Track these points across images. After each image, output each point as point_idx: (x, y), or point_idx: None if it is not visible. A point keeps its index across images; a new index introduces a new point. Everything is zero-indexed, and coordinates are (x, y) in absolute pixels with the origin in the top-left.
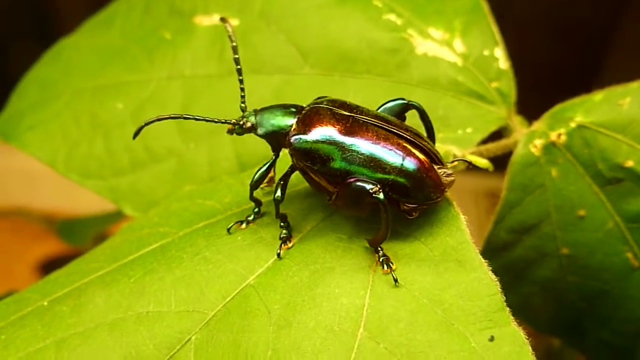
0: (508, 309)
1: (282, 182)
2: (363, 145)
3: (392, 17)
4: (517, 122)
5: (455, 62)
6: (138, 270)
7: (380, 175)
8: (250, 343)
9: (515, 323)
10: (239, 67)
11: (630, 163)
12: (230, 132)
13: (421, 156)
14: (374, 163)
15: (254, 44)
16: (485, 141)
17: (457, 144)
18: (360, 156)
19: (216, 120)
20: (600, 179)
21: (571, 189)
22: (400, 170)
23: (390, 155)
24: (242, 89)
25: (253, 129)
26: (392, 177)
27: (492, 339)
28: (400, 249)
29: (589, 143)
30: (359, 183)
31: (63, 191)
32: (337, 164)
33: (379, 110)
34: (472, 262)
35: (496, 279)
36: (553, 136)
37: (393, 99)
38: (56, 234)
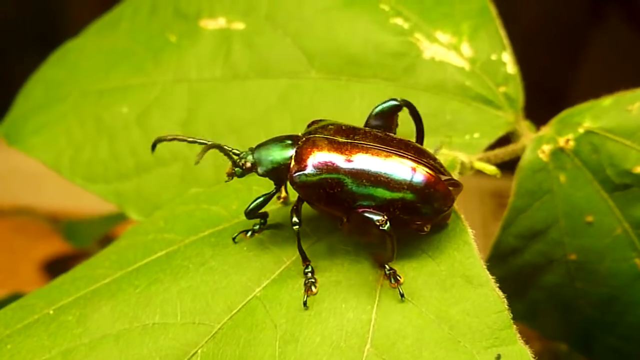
0: (515, 326)
1: (295, 208)
2: (367, 170)
3: (399, 20)
4: (525, 127)
5: (463, 67)
6: (143, 279)
7: (389, 197)
8: (257, 358)
9: (522, 342)
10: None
11: (639, 169)
12: (230, 175)
13: (427, 171)
14: (381, 186)
15: (260, 48)
16: (492, 146)
17: (465, 150)
18: (366, 182)
19: (225, 152)
20: (609, 184)
21: (579, 195)
22: (408, 189)
23: (396, 175)
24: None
25: (253, 168)
26: (400, 196)
27: (498, 357)
28: (407, 262)
29: (597, 149)
30: (366, 214)
31: (68, 191)
32: (344, 193)
33: (371, 116)
34: (479, 278)
35: (503, 296)
36: (561, 142)
37: (383, 101)
38: (61, 233)
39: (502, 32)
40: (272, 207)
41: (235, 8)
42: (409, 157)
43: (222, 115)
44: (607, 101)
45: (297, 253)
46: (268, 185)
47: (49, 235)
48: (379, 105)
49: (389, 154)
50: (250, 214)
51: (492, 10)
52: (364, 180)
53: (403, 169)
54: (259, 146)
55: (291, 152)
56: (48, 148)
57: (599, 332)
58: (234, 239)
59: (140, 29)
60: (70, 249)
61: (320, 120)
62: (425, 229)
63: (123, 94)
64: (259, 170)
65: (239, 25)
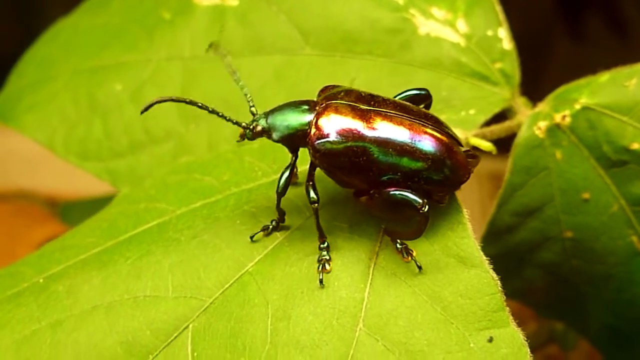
0: (508, 308)
1: (310, 183)
2: (392, 138)
3: None
4: (521, 104)
5: (459, 43)
6: (135, 251)
7: (414, 166)
8: (248, 335)
9: (515, 324)
10: (241, 86)
11: (635, 145)
12: (242, 137)
13: (448, 140)
14: (406, 155)
15: (254, 25)
16: (488, 123)
17: (461, 126)
18: (392, 151)
19: (227, 118)
20: (605, 161)
21: (576, 172)
22: (432, 158)
23: (421, 144)
24: (246, 96)
25: (265, 132)
26: (425, 166)
27: (490, 340)
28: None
29: (594, 125)
30: (403, 194)
31: (65, 173)
32: (370, 162)
33: (397, 98)
34: (473, 259)
35: (497, 278)
36: (557, 118)
37: (415, 89)
38: (59, 216)
39: (498, 8)
40: (267, 180)
41: None
42: (431, 126)
43: (216, 92)
44: (604, 77)
45: (291, 227)
46: (261, 155)
47: (47, 219)
48: (407, 91)
49: (412, 123)
50: (283, 191)
51: None
52: (390, 149)
53: (427, 139)
54: (273, 111)
55: (309, 117)
56: (41, 126)
57: (594, 310)
58: (252, 237)
59: (133, 6)
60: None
61: (335, 86)
62: (445, 200)
63: (116, 71)
64: (274, 135)
65: (233, 2)
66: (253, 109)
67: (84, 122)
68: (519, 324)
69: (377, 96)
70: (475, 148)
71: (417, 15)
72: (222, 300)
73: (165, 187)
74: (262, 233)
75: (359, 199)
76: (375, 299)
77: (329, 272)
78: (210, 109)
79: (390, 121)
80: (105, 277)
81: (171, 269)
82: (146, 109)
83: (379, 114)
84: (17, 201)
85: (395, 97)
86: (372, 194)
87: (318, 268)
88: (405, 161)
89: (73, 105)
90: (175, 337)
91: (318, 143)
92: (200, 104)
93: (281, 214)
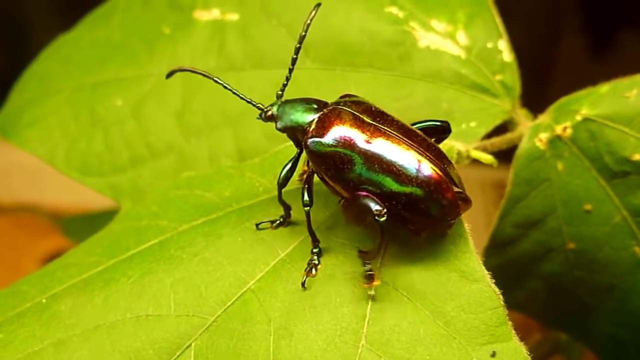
0: (510, 322)
1: (306, 186)
2: (381, 156)
3: (394, 9)
4: (521, 116)
5: (459, 55)
6: (137, 269)
7: (395, 189)
8: (251, 353)
9: (517, 338)
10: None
11: (637, 156)
12: (259, 116)
13: (440, 175)
14: (390, 176)
15: (254, 38)
16: (489, 135)
17: (461, 139)
18: (377, 167)
19: (247, 99)
20: (607, 172)
21: (577, 183)
22: (417, 186)
23: (408, 170)
24: (288, 78)
25: (273, 119)
26: (407, 191)
27: (493, 354)
28: (402, 255)
29: (595, 136)
30: (366, 200)
31: (68, 186)
32: (352, 173)
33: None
34: (475, 273)
35: (499, 292)
36: (559, 129)
37: (436, 120)
38: (62, 229)
39: (498, 20)
40: (268, 197)
41: None
42: (427, 156)
43: (217, 106)
44: (604, 88)
45: (292, 244)
46: (262, 171)
47: (50, 232)
48: (427, 121)
49: (408, 147)
50: (284, 182)
51: None
52: (376, 165)
53: (417, 166)
54: (287, 101)
55: (313, 116)
56: (43, 141)
57: (598, 321)
58: (257, 225)
59: (133, 21)
60: (72, 245)
61: (353, 96)
62: (423, 234)
63: (117, 86)
64: (278, 124)
65: (233, 16)
66: (280, 92)
67: (85, 137)
68: (524, 335)
69: (388, 115)
70: (476, 160)
71: (417, 28)
72: (225, 318)
73: (166, 203)
74: (268, 223)
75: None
76: (377, 315)
77: (314, 276)
78: (232, 89)
79: (387, 140)
80: (107, 296)
81: (173, 287)
82: (171, 74)
83: (378, 130)
84: (21, 214)
85: (414, 124)
86: (345, 198)
87: (305, 270)
88: (387, 181)
89: (74, 120)
90: (178, 355)
91: (310, 141)
92: (216, 79)
93: (286, 208)
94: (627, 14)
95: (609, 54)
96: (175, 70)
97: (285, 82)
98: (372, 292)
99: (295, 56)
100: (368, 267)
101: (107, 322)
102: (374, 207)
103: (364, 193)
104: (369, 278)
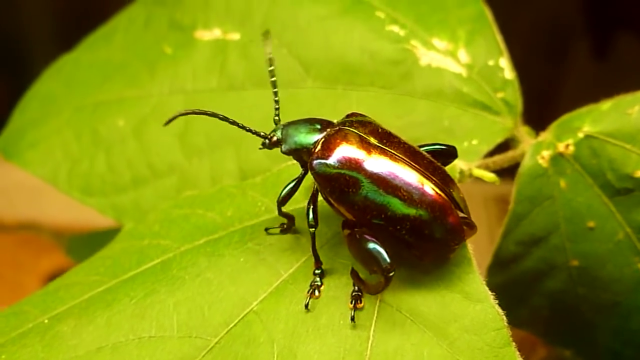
0: (514, 344)
1: (311, 206)
2: (388, 179)
3: (395, 28)
4: (524, 133)
5: (460, 73)
6: (139, 290)
7: (399, 213)
8: None
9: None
10: (273, 79)
11: (639, 173)
12: (263, 145)
13: (446, 200)
14: (395, 200)
15: (256, 58)
16: (492, 153)
17: (463, 157)
18: (383, 191)
19: (247, 129)
20: (610, 189)
21: (580, 200)
22: (422, 211)
23: (414, 194)
24: (276, 102)
25: (279, 144)
26: (412, 215)
27: None
28: (405, 277)
29: (597, 153)
30: (378, 249)
31: (71, 204)
32: (357, 196)
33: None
34: (478, 294)
35: (502, 313)
36: (561, 147)
37: (443, 144)
38: (64, 247)
39: (499, 37)
40: (270, 217)
41: (231, 18)
42: (433, 180)
43: (218, 126)
44: (606, 105)
45: (295, 265)
46: (264, 190)
47: (53, 250)
48: (434, 144)
49: (416, 171)
50: (283, 201)
51: (489, 15)
52: (382, 189)
53: (423, 191)
54: (290, 123)
55: (317, 137)
56: (45, 162)
57: (602, 338)
58: (266, 229)
59: (135, 41)
60: (74, 263)
61: (360, 115)
62: (426, 259)
63: (119, 106)
64: (283, 147)
65: (235, 36)
66: (276, 117)
67: (87, 158)
68: (528, 351)
69: (395, 137)
70: (478, 179)
71: (418, 47)
72: (228, 339)
73: (168, 223)
74: (277, 229)
75: (343, 230)
76: (380, 336)
77: (317, 297)
78: (232, 121)
79: (393, 162)
80: (109, 317)
81: (176, 308)
82: (170, 121)
83: (384, 152)
84: (23, 232)
85: (421, 146)
86: (354, 232)
87: (307, 292)
88: (392, 204)
89: (76, 140)
90: None
91: (315, 163)
92: (220, 116)
93: (289, 218)
94: (628, 18)
95: (609, 58)
96: (176, 115)
97: (276, 107)
98: (353, 314)
99: (273, 79)
100: (357, 288)
101: (110, 343)
102: (384, 262)
103: (372, 238)
104: (356, 300)
